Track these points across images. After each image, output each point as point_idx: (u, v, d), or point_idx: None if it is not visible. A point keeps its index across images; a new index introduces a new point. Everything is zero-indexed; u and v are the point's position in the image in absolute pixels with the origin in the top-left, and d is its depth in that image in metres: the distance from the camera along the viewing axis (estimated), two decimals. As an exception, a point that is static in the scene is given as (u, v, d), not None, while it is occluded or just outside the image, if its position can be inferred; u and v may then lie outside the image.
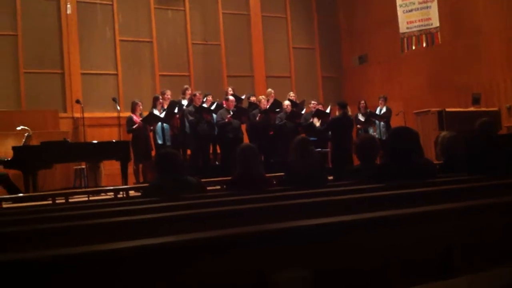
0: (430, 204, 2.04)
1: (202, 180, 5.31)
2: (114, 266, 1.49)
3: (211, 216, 2.36)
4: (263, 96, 11.40)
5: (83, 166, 10.22)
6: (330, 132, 10.37)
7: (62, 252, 1.52)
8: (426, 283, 0.93)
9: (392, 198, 2.67)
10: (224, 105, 10.60)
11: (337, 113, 10.43)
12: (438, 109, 10.99)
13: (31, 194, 7.77)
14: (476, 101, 11.54)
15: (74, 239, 1.99)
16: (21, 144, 8.88)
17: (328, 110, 10.94)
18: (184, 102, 10.52)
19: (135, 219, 2.23)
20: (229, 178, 6.04)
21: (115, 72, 13.02)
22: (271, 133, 10.86)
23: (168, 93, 10.38)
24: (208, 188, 5.22)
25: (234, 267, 1.56)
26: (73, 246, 1.54)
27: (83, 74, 12.59)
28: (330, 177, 4.72)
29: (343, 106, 10.03)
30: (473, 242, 1.80)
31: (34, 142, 9.31)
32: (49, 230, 2.08)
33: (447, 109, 10.95)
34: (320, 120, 10.58)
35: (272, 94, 11.42)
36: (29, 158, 8.38)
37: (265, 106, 10.95)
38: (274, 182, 4.53)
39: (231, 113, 10.42)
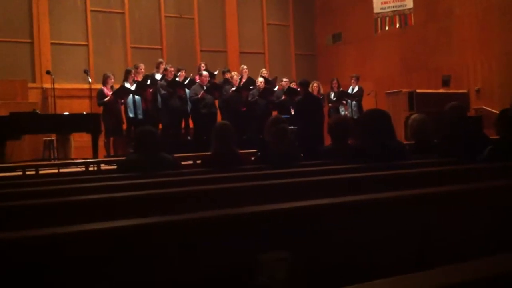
0: (407, 188, 2.10)
1: (174, 155, 5.32)
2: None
3: (191, 195, 2.39)
4: (235, 73, 11.36)
5: (53, 138, 10.07)
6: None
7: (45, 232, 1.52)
8: (402, 273, 0.95)
9: (370, 180, 2.73)
10: (198, 81, 10.54)
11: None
12: (408, 90, 11.16)
13: (0, 165, 7.63)
14: (445, 83, 11.74)
15: (58, 217, 2.00)
16: (-11, 114, 8.70)
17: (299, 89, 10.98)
18: (158, 76, 10.42)
19: (117, 197, 2.24)
20: (202, 153, 6.07)
21: (86, 43, 12.79)
22: (244, 109, 10.87)
23: (142, 67, 10.26)
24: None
25: (217, 249, 1.59)
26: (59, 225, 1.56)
27: (53, 44, 12.34)
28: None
29: (304, 85, 10.00)
30: (452, 229, 1.86)
31: (2, 112, 9.13)
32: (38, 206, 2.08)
33: (418, 90, 11.12)
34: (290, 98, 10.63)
35: (246, 70, 11.39)
36: (-2, 129, 8.24)
37: (237, 82, 10.95)
38: (253, 158, 4.57)
39: (205, 88, 10.38)
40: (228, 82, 11.13)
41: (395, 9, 12.96)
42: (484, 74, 12.02)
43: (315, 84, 10.96)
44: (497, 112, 5.30)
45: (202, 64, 11.26)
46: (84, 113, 9.73)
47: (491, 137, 4.43)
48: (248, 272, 1.49)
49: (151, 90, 10.03)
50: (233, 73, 11.31)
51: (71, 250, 1.49)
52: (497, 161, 3.38)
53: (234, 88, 10.84)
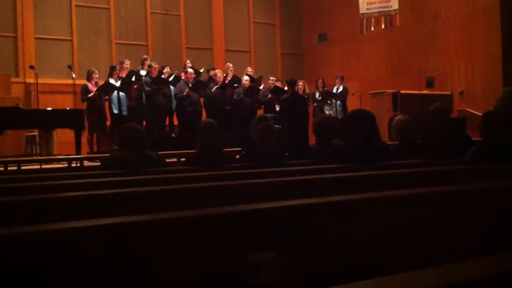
0: (392, 189, 2.11)
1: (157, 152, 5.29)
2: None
3: (178, 193, 2.37)
4: (219, 70, 11.33)
5: (35, 133, 9.98)
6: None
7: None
8: (396, 273, 0.95)
9: (356, 180, 2.74)
10: (183, 78, 10.51)
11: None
12: (393, 90, 11.24)
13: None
14: (429, 84, 11.86)
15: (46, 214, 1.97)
16: (-29, 109, 8.59)
17: (286, 88, 11.01)
18: (143, 73, 10.37)
19: (102, 194, 2.22)
20: (186, 151, 6.05)
21: (70, 38, 12.67)
22: (228, 108, 10.87)
23: (127, 63, 10.19)
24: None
25: (212, 248, 1.58)
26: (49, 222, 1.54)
27: (37, 38, 12.21)
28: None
29: (291, 84, 10.03)
30: (447, 230, 1.88)
31: (-16, 107, 9.02)
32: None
33: (402, 91, 11.20)
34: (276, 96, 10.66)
35: (231, 69, 11.38)
36: (-20, 123, 8.15)
37: (221, 80, 10.94)
38: (237, 156, 4.56)
39: (190, 86, 10.35)
40: (212, 79, 11.11)
41: (380, 10, 13.00)
42: (468, 76, 12.14)
43: (300, 83, 10.98)
44: (479, 114, 5.35)
45: (188, 61, 11.22)
46: (68, 109, 9.66)
47: (473, 139, 4.48)
48: (246, 272, 1.48)
49: (135, 86, 9.98)
50: (216, 71, 11.28)
51: (63, 248, 1.48)
52: (479, 163, 3.42)
53: (217, 86, 10.82)
